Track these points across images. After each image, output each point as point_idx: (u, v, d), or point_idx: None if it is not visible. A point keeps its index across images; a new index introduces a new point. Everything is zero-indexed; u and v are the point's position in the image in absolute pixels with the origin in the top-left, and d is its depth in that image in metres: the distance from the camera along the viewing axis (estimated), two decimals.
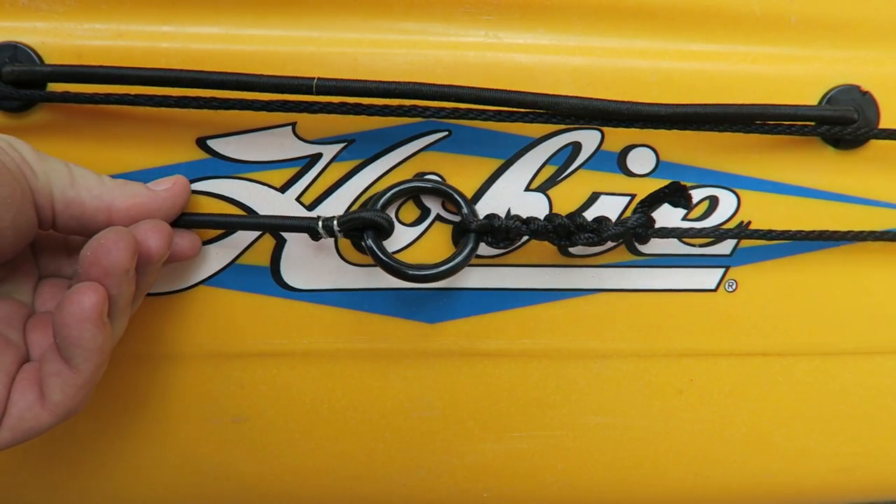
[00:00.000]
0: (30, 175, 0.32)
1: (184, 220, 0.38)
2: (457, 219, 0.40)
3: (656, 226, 0.40)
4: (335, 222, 0.37)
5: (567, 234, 0.39)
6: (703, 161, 0.42)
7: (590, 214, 0.41)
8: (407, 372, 0.43)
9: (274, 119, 0.39)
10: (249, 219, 0.38)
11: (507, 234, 0.39)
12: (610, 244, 0.42)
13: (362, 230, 0.38)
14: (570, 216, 0.39)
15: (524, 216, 0.40)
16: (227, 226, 0.38)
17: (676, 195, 0.37)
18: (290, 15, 0.39)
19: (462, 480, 0.45)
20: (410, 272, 0.38)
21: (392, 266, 0.38)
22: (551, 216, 0.39)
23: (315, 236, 0.38)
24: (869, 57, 0.43)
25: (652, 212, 0.39)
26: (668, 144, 0.42)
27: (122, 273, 0.31)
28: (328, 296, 0.41)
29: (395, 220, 0.41)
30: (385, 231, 0.38)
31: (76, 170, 0.34)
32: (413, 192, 0.40)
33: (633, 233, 0.39)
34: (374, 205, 0.39)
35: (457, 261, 0.39)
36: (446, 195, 0.40)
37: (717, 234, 0.41)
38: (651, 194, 0.38)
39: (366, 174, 0.40)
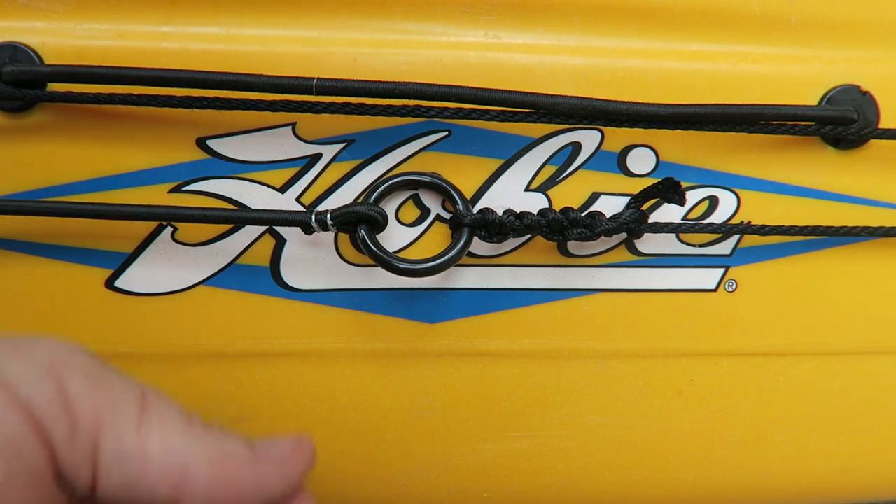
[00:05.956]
0: (55, 416, 0.22)
1: (175, 214, 0.37)
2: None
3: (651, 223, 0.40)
4: (328, 216, 0.37)
5: (560, 229, 0.39)
6: (702, 161, 0.42)
7: None
8: (407, 372, 0.43)
9: (274, 119, 0.39)
10: (242, 213, 0.39)
11: (500, 228, 0.39)
12: (610, 244, 0.42)
13: (356, 224, 0.38)
14: (564, 211, 0.39)
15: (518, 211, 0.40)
16: (221, 220, 0.38)
17: (670, 191, 0.37)
18: (290, 15, 0.39)
19: (462, 480, 0.45)
20: (402, 266, 0.38)
21: (384, 260, 0.38)
22: (545, 211, 0.39)
23: (308, 230, 0.38)
24: (869, 57, 0.43)
25: (644, 206, 0.39)
26: (668, 144, 0.42)
27: None
28: (328, 296, 0.41)
29: (391, 216, 0.41)
30: (378, 224, 0.38)
31: (152, 402, 0.23)
32: (407, 186, 0.40)
33: (626, 228, 0.39)
34: (367, 198, 0.39)
35: (449, 255, 0.39)
36: (440, 189, 0.40)
37: (711, 229, 0.41)
38: (644, 190, 0.38)
39: (366, 174, 0.40)
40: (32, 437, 0.21)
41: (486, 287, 0.42)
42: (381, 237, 0.40)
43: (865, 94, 0.42)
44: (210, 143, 0.39)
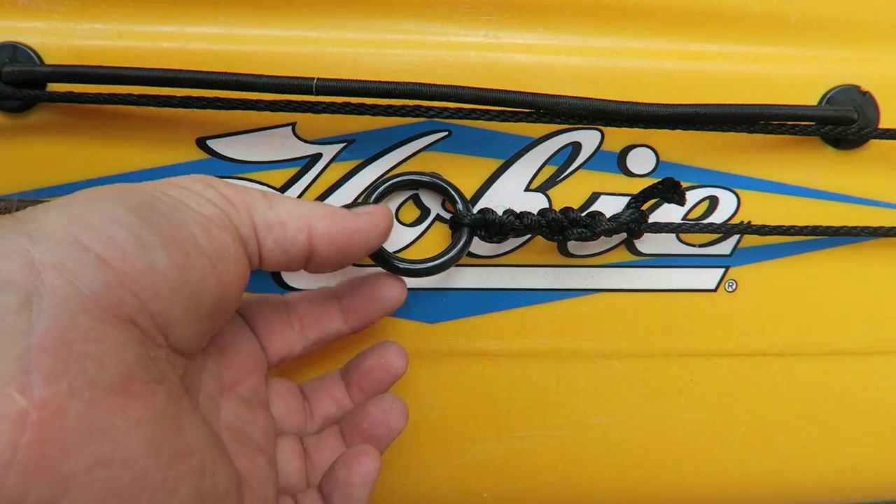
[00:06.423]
0: (230, 209, 0.30)
1: None
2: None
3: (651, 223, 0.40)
4: None
5: (560, 229, 0.39)
6: (702, 161, 0.42)
7: None
8: (407, 372, 0.43)
9: (274, 119, 0.39)
10: None
11: (500, 228, 0.39)
12: (610, 244, 0.42)
13: None
14: (564, 211, 0.39)
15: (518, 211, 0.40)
16: None
17: (670, 191, 0.37)
18: (290, 15, 0.39)
19: (462, 480, 0.45)
20: (402, 266, 0.38)
21: (384, 260, 0.38)
22: (545, 211, 0.39)
23: None
24: (869, 57, 0.43)
25: (644, 206, 0.39)
26: (668, 144, 0.42)
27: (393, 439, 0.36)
28: None
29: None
30: None
31: (270, 192, 0.32)
32: (408, 185, 0.40)
33: (626, 228, 0.39)
34: (367, 198, 0.39)
35: (450, 255, 0.39)
36: (441, 189, 0.40)
37: (711, 229, 0.41)
38: (644, 190, 0.38)
39: (366, 174, 0.40)
40: (223, 217, 0.29)
41: (485, 287, 0.42)
42: None
43: (865, 94, 0.42)
44: (210, 143, 0.39)
